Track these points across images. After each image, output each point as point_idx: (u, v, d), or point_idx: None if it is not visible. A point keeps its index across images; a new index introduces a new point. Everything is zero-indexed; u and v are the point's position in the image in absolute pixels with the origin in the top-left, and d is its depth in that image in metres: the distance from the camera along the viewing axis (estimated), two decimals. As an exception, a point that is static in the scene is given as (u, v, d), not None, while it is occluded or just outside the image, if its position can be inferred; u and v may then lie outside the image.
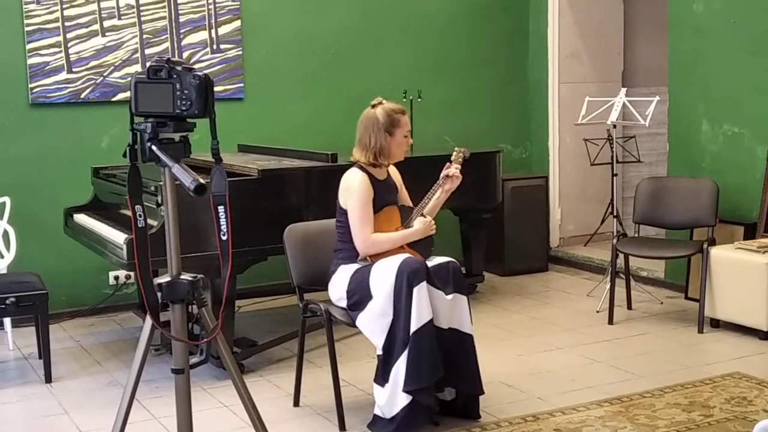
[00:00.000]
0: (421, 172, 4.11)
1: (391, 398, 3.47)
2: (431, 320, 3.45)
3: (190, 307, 2.47)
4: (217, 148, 2.29)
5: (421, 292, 3.42)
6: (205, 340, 2.38)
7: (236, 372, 2.47)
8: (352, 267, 3.68)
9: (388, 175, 3.84)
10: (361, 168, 3.73)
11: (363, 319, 3.56)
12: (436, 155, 4.83)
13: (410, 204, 3.89)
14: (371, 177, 3.72)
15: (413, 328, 3.41)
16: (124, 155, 2.29)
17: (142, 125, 2.27)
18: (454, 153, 3.86)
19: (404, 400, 3.44)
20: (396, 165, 3.91)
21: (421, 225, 3.74)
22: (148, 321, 2.35)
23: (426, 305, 3.43)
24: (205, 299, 2.39)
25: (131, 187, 2.30)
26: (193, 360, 2.41)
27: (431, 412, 3.56)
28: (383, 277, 3.50)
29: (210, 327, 2.38)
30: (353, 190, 3.68)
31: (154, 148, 2.21)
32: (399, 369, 3.44)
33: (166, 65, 2.23)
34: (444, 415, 3.64)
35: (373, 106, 3.77)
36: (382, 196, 3.75)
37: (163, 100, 2.24)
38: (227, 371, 2.50)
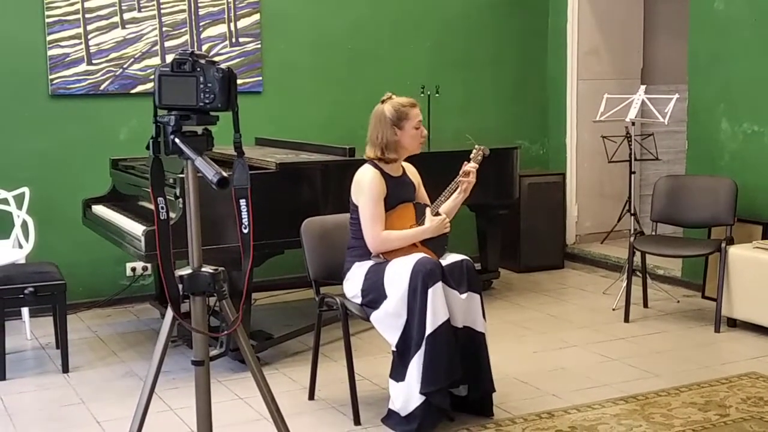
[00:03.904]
0: (437, 168, 4.10)
1: (407, 397, 3.47)
2: (447, 320, 3.44)
3: (207, 299, 2.48)
4: (239, 141, 2.30)
5: (436, 293, 3.41)
6: (226, 332, 2.39)
7: (256, 364, 2.47)
8: (367, 264, 3.67)
9: (404, 172, 3.82)
10: (374, 165, 3.72)
11: (377, 317, 3.56)
12: (453, 151, 4.83)
13: (428, 203, 3.88)
14: (384, 173, 3.70)
15: (429, 329, 3.39)
16: (147, 147, 2.29)
17: (166, 118, 2.27)
18: (474, 151, 3.85)
19: (419, 399, 3.44)
20: (413, 161, 3.90)
21: (433, 222, 3.70)
22: (169, 313, 2.36)
23: (442, 306, 3.42)
24: (226, 292, 2.40)
25: (154, 179, 2.30)
26: (213, 352, 2.42)
27: (444, 412, 3.56)
28: (398, 278, 3.49)
29: (230, 319, 2.39)
30: (364, 186, 3.66)
31: (177, 140, 2.22)
32: (414, 369, 3.44)
33: (190, 58, 2.23)
34: (458, 411, 3.64)
35: (383, 102, 3.75)
36: (395, 192, 3.72)
37: (186, 93, 2.24)
38: (246, 363, 2.50)
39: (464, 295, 3.52)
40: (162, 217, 2.30)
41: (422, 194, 3.90)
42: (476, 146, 3.86)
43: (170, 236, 2.29)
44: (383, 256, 3.66)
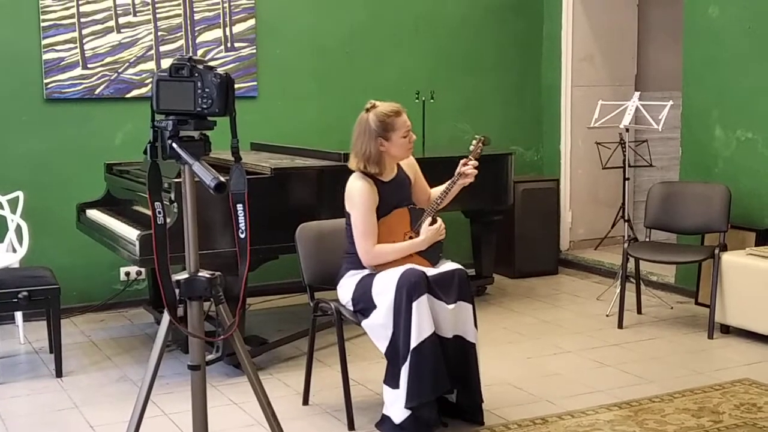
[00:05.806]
0: (433, 174, 4.10)
1: (398, 405, 3.46)
2: (433, 333, 3.40)
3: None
4: (237, 146, 2.30)
5: (421, 306, 3.37)
6: (223, 337, 2.39)
7: (252, 369, 2.47)
8: (359, 275, 3.64)
9: (398, 170, 3.75)
10: (365, 173, 3.65)
11: (368, 324, 3.55)
12: (448, 156, 4.82)
13: (428, 191, 3.82)
14: (375, 181, 3.64)
15: (413, 343, 3.36)
16: (145, 152, 2.30)
17: (163, 122, 2.28)
18: (474, 142, 3.79)
19: (407, 411, 3.43)
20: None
21: (428, 234, 3.64)
22: (166, 317, 2.36)
23: (427, 319, 3.38)
24: (222, 296, 2.40)
25: (151, 183, 2.31)
26: (209, 357, 2.42)
27: (433, 425, 3.52)
28: (384, 290, 3.46)
29: (226, 324, 2.39)
30: (355, 199, 3.61)
31: (174, 145, 2.22)
32: (403, 381, 3.42)
33: (188, 63, 2.24)
34: (449, 417, 3.64)
35: (367, 111, 3.64)
36: (388, 199, 3.66)
37: (184, 98, 2.25)
38: (242, 368, 2.50)
39: (452, 306, 3.47)
40: (159, 222, 2.30)
41: (421, 184, 3.83)
42: (476, 136, 3.80)
43: (168, 241, 2.29)
44: (375, 267, 3.63)
